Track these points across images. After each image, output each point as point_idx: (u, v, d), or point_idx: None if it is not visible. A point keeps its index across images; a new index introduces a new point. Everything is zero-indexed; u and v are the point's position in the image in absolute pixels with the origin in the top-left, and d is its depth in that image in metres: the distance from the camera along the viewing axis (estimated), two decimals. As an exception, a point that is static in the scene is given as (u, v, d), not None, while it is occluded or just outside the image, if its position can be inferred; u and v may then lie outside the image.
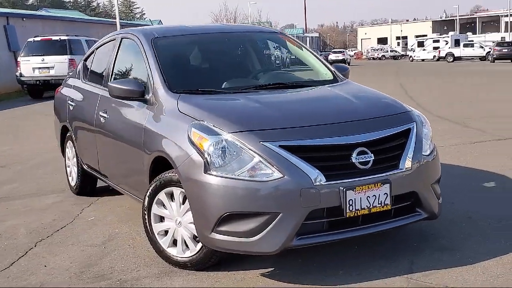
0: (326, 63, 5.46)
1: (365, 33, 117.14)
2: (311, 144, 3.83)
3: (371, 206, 3.87)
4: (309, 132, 3.91)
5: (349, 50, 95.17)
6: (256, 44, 5.76)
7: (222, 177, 3.79)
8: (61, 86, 7.24)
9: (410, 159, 4.07)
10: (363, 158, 3.88)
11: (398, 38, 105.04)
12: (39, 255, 4.77)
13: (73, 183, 6.69)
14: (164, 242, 4.34)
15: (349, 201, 3.78)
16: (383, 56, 79.95)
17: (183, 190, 4.12)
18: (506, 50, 48.52)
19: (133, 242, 4.94)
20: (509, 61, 46.67)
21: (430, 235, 4.68)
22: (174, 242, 4.30)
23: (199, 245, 4.13)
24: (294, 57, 5.81)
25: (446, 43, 70.10)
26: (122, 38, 5.66)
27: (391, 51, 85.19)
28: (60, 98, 7.00)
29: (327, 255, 4.36)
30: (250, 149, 3.78)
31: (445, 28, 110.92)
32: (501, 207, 5.36)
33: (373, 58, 78.40)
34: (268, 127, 3.92)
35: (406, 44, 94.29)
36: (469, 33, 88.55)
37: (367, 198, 3.84)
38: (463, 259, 4.17)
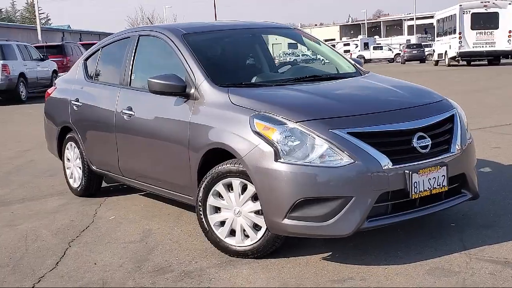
0: (346, 57, 5.69)
1: (276, 38, 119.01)
2: (377, 130, 4.03)
3: (432, 188, 4.10)
4: (372, 119, 4.11)
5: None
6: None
7: (294, 164, 3.92)
8: (53, 88, 7.10)
9: (459, 143, 4.35)
10: (423, 143, 4.11)
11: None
12: (81, 254, 4.72)
13: (75, 185, 6.59)
14: (221, 232, 4.42)
15: (414, 183, 4.00)
16: (295, 59, 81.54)
17: (243, 180, 4.23)
18: (415, 51, 50.77)
19: (173, 237, 4.97)
20: (419, 62, 48.71)
21: (461, 216, 4.98)
22: (231, 232, 4.39)
23: (260, 233, 4.24)
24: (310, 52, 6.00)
25: (356, 46, 72.46)
26: (139, 36, 5.66)
27: (302, 55, 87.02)
28: (55, 100, 6.88)
29: (375, 239, 4.55)
30: (319, 136, 3.93)
31: (352, 32, 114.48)
32: (509, 190, 5.74)
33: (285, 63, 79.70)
34: (334, 115, 4.09)
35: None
36: (376, 36, 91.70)
37: (428, 180, 4.08)
38: (508, 235, 4.48)
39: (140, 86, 5.47)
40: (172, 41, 5.14)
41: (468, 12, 33.19)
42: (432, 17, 51.86)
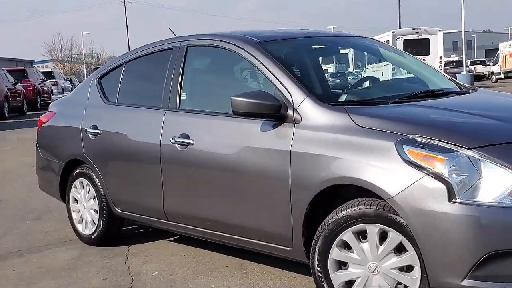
0: (440, 70, 4.81)
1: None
2: None
3: None
4: None
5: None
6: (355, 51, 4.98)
7: (477, 205, 2.95)
8: (49, 114, 5.84)
9: None
10: None
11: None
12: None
13: (87, 232, 5.35)
14: (349, 296, 3.38)
15: None
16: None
17: (383, 226, 3.24)
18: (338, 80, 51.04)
19: (261, 299, 3.88)
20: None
21: None
22: (363, 295, 3.36)
23: (408, 295, 3.24)
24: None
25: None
26: (187, 47, 4.57)
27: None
28: (57, 129, 5.65)
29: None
30: (507, 167, 2.99)
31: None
32: None
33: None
34: None
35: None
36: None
37: None
38: None
39: (196, 108, 4.39)
40: (246, 51, 4.10)
41: (400, 38, 33.45)
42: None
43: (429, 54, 33.40)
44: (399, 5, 60.10)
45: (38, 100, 28.35)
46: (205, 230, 4.33)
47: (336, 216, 3.38)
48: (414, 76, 4.84)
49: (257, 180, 3.82)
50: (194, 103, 4.48)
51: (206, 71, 4.73)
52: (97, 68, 28.50)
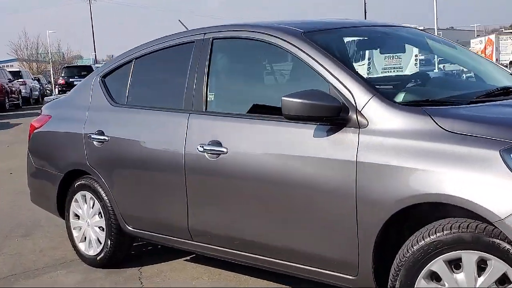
0: (501, 66, 4.25)
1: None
2: None
3: None
4: None
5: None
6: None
7: None
8: (42, 119, 5.13)
9: None
10: None
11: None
12: None
13: (91, 252, 4.67)
14: None
15: None
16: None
17: (483, 254, 2.67)
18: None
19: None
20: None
21: None
22: None
23: None
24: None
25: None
26: (213, 40, 3.93)
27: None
28: (54, 135, 4.97)
29: None
30: None
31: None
32: None
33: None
34: None
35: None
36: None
37: None
38: None
39: (227, 110, 3.78)
40: (290, 43, 3.48)
41: (377, 35, 33.15)
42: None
43: (404, 52, 33.07)
44: (365, 3, 59.94)
45: (6, 100, 27.17)
46: (239, 252, 3.70)
47: (422, 241, 2.80)
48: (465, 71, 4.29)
49: (312, 196, 3.21)
50: (225, 104, 3.87)
51: (238, 67, 4.10)
52: (67, 67, 27.76)
